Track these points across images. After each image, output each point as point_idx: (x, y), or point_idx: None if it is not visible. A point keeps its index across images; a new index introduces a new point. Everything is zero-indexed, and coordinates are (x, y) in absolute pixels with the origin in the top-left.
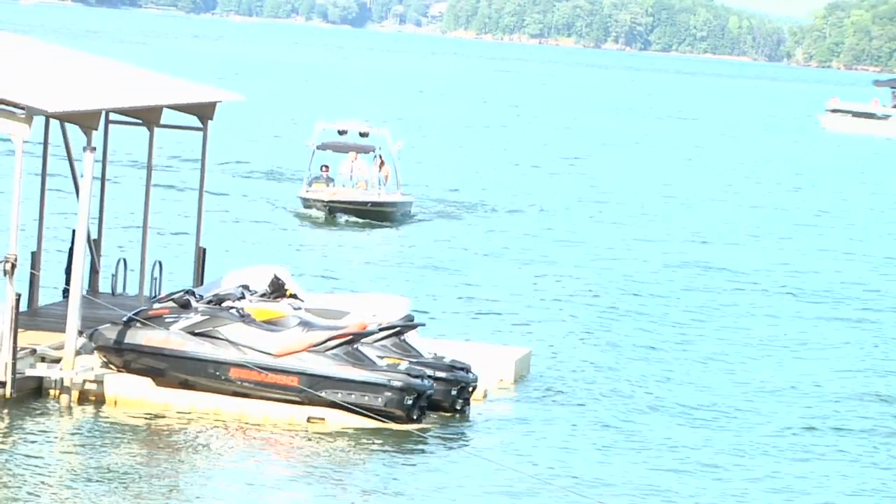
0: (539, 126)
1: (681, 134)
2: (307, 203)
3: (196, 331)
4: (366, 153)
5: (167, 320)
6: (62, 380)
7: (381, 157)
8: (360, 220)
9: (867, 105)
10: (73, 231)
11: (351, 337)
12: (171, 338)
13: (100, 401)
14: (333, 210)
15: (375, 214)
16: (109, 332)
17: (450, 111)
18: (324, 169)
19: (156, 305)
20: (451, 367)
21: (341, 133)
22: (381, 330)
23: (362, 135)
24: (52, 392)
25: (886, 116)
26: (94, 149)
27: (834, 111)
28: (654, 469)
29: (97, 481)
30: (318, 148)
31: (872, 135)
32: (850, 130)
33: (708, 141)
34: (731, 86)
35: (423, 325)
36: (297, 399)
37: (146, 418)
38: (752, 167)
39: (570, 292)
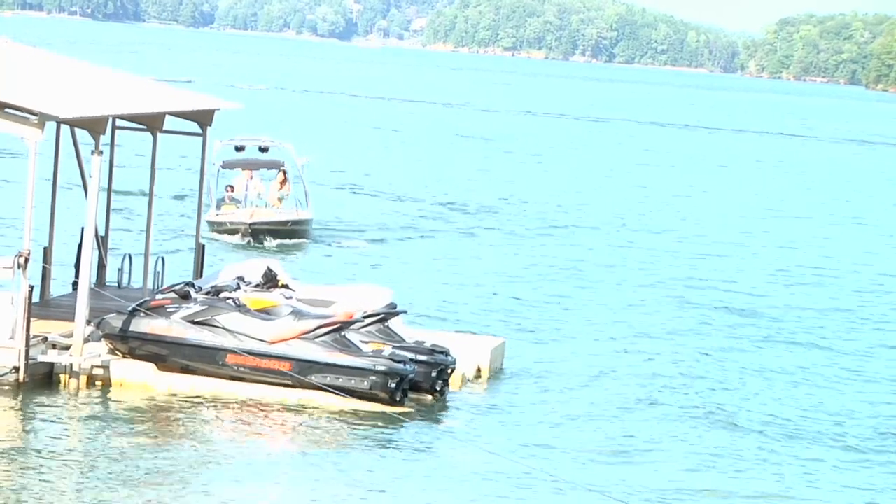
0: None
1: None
2: (221, 227)
3: (195, 320)
4: (276, 168)
5: (169, 310)
6: (71, 365)
7: (283, 172)
8: (284, 241)
9: None
10: (82, 228)
11: (339, 325)
12: (173, 326)
13: (106, 385)
14: (257, 233)
15: (294, 233)
16: (115, 321)
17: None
18: (229, 189)
19: (158, 296)
20: (432, 351)
21: (238, 149)
22: (366, 317)
23: (262, 149)
24: (62, 377)
25: None
26: (102, 152)
27: None
28: (618, 447)
29: (103, 458)
30: (222, 167)
31: None
32: None
33: None
34: None
35: (405, 312)
36: (289, 383)
37: (149, 401)
38: None
39: (537, 288)
